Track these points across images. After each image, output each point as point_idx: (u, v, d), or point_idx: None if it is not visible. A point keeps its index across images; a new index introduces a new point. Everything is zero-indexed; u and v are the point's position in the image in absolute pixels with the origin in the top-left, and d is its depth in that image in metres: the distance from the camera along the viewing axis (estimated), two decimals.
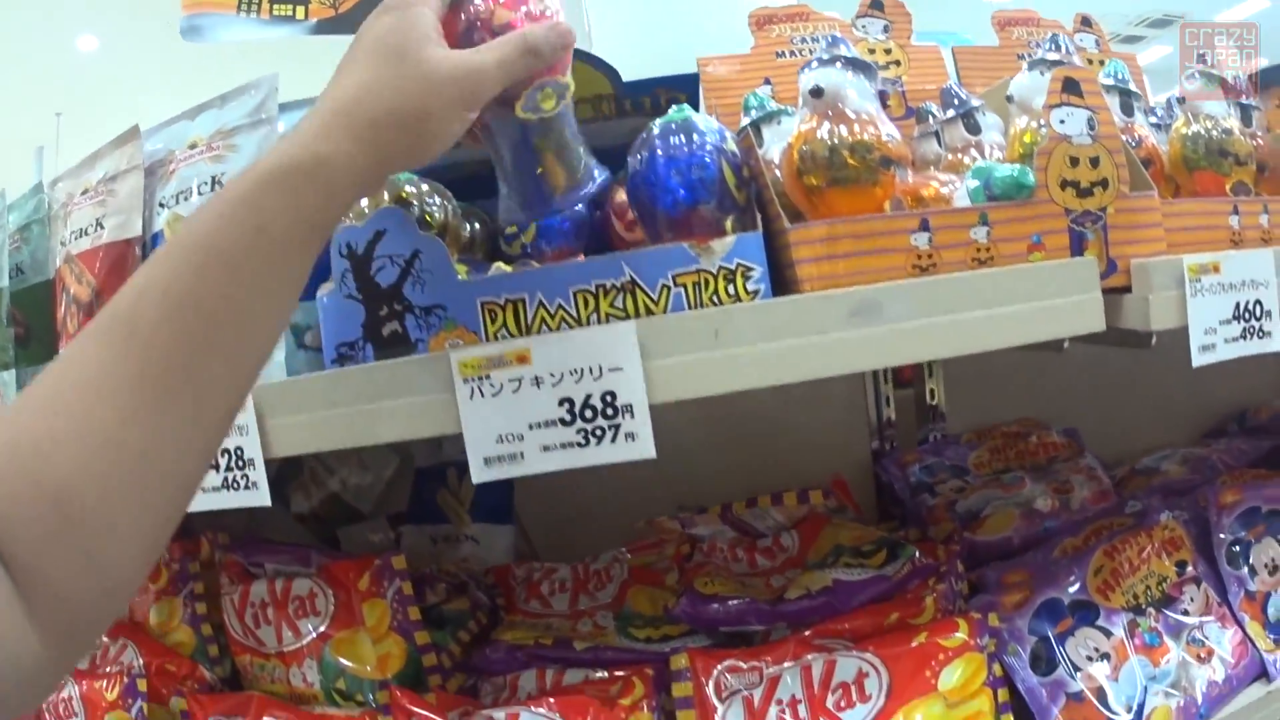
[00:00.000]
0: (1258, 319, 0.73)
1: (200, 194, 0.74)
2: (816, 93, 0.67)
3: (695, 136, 0.66)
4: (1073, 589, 0.77)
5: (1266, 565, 0.87)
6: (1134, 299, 0.69)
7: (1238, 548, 0.86)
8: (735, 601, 0.74)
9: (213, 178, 0.74)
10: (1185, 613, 0.80)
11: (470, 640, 0.79)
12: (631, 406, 0.61)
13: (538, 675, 0.74)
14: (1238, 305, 0.72)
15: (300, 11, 0.71)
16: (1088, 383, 1.17)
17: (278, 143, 0.49)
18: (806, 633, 0.71)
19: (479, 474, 0.62)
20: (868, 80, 0.69)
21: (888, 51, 0.95)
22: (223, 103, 0.76)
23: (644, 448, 0.60)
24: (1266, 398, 1.36)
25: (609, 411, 0.61)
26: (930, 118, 0.83)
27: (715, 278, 0.63)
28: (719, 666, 0.69)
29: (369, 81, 0.50)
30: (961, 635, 0.70)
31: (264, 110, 0.74)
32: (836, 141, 0.65)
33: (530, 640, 0.76)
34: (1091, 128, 0.70)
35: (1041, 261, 0.67)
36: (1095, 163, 0.69)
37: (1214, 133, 0.81)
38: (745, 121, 0.77)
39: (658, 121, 0.68)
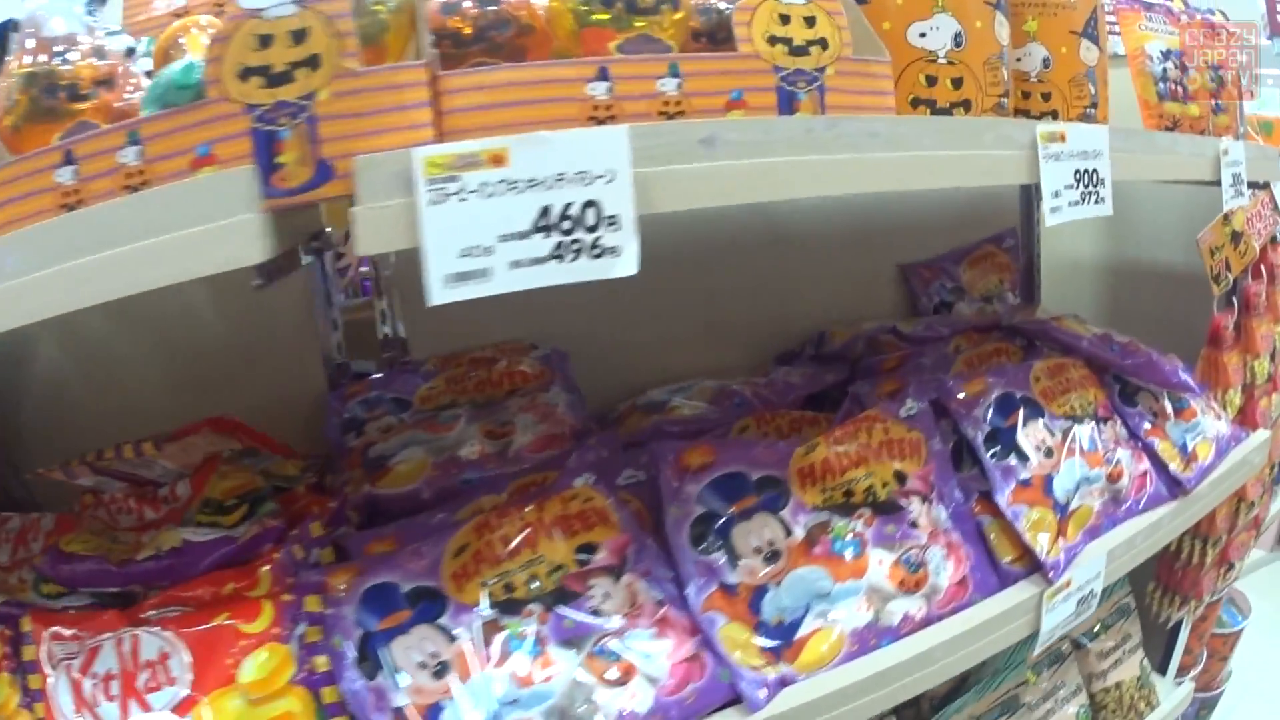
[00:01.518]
0: (589, 228, 0.53)
1: None
2: (13, 26, 0.56)
3: None
4: (417, 573, 0.61)
5: (759, 549, 0.65)
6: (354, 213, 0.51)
7: (712, 525, 0.65)
8: (90, 561, 0.66)
9: None
10: (594, 613, 0.61)
11: None
12: None
13: None
14: (546, 210, 0.52)
15: None
16: (629, 300, 0.97)
17: None
18: (145, 601, 0.62)
19: None
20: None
21: None
22: None
23: None
24: (859, 314, 1.14)
25: None
26: None
27: None
28: (47, 633, 0.61)
29: None
30: (265, 620, 0.59)
31: None
32: (15, 78, 0.54)
33: None
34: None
35: (203, 177, 0.51)
36: (300, 37, 0.52)
37: None
38: None
39: None
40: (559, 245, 0.52)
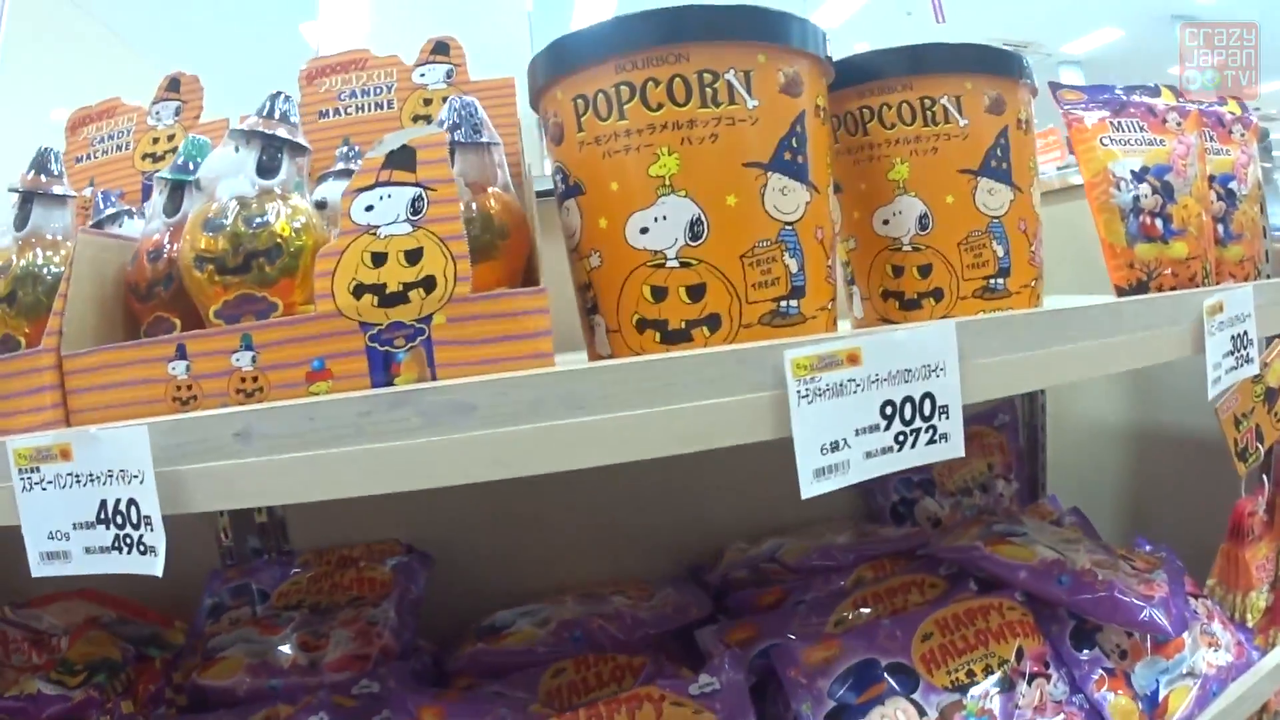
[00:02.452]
0: (133, 525, 0.53)
1: None
2: None
3: None
4: None
5: None
6: None
7: None
8: None
9: None
10: None
11: None
12: None
13: None
14: (104, 504, 0.54)
15: None
16: (533, 498, 0.89)
17: None
18: None
19: None
20: None
21: (170, 138, 0.82)
22: None
23: None
24: (800, 518, 0.95)
25: None
26: None
27: None
28: None
29: None
30: None
31: None
32: None
33: None
34: None
35: None
36: None
37: (238, 218, 0.56)
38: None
39: None
40: (117, 539, 0.53)
